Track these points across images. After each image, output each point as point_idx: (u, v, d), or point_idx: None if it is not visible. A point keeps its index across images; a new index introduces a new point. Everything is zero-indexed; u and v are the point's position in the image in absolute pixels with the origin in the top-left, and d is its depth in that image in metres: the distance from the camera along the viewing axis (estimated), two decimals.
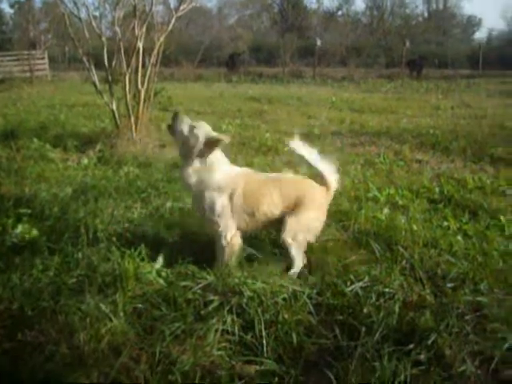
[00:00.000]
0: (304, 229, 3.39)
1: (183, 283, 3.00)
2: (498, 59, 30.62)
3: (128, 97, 7.73)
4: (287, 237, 3.34)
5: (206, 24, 41.69)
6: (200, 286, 2.96)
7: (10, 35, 39.61)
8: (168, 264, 3.33)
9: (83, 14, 7.98)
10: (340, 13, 52.85)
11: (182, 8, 8.16)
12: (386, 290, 2.98)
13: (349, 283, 3.05)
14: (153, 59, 7.88)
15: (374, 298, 2.91)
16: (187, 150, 3.28)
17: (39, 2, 35.27)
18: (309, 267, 3.44)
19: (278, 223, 3.41)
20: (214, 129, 3.43)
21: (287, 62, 29.85)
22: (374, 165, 6.74)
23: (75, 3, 7.92)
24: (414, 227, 4.09)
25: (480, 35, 55.85)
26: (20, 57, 24.45)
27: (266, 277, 3.04)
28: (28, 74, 23.41)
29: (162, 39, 7.89)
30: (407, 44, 29.05)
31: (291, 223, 3.35)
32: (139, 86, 7.77)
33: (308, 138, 8.54)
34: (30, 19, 29.16)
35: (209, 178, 3.26)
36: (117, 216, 4.32)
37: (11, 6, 41.03)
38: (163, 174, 5.93)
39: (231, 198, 3.27)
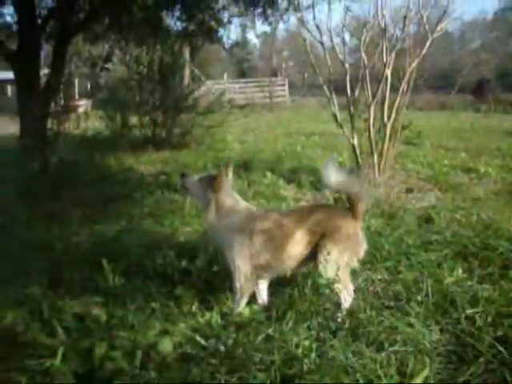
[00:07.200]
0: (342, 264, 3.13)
1: None
2: None
3: (372, 130, 6.79)
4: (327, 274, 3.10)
5: (446, 48, 39.18)
6: None
7: (254, 64, 42.50)
8: None
9: (325, 40, 7.31)
10: None
11: (439, 28, 7.07)
12: None
13: None
14: (403, 86, 6.81)
15: None
16: (203, 202, 3.38)
17: (283, 30, 37.15)
18: None
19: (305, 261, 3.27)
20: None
21: None
22: None
23: (318, 27, 7.29)
24: None
25: None
26: (261, 83, 25.62)
27: None
28: (268, 100, 24.35)
29: (414, 64, 6.80)
30: None
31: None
32: (385, 119, 6.77)
33: None
34: (273, 48, 30.81)
35: (228, 219, 3.27)
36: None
37: (257, 37, 44.16)
38: (415, 233, 4.48)
39: (250, 237, 3.17)
